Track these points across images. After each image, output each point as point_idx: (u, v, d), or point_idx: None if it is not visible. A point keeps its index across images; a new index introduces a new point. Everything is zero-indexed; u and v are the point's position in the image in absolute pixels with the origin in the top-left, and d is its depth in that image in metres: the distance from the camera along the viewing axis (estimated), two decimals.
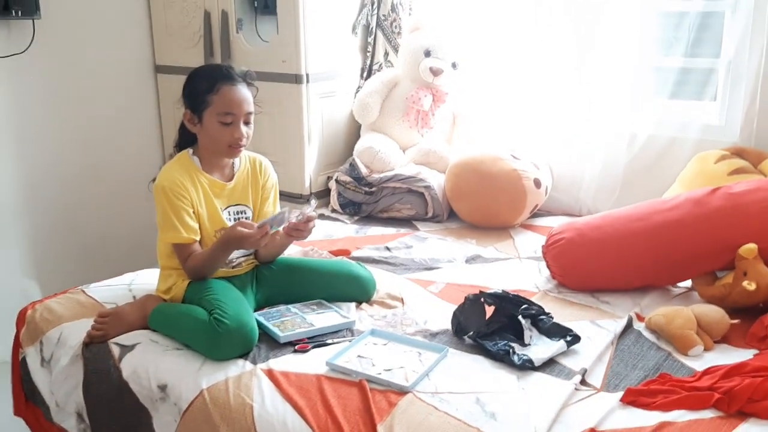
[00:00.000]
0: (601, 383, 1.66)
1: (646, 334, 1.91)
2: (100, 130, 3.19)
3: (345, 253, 2.49)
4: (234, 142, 1.94)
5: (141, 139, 3.38)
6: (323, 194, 3.12)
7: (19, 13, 2.71)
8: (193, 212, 1.93)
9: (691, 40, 2.72)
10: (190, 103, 1.95)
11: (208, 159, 2.00)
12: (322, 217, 2.96)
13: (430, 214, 2.90)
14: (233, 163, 2.06)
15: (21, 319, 2.09)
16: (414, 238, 2.69)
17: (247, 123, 1.96)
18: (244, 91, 1.95)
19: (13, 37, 2.79)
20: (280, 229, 1.91)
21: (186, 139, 2.06)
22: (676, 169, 2.67)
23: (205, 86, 1.92)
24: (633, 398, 1.57)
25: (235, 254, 2.01)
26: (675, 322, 1.85)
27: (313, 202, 2.04)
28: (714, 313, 1.90)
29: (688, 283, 2.20)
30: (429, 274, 2.35)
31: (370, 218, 2.96)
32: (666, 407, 1.54)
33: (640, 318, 2.00)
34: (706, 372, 1.67)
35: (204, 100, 1.91)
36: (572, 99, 2.96)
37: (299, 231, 1.95)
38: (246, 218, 2.05)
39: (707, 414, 1.51)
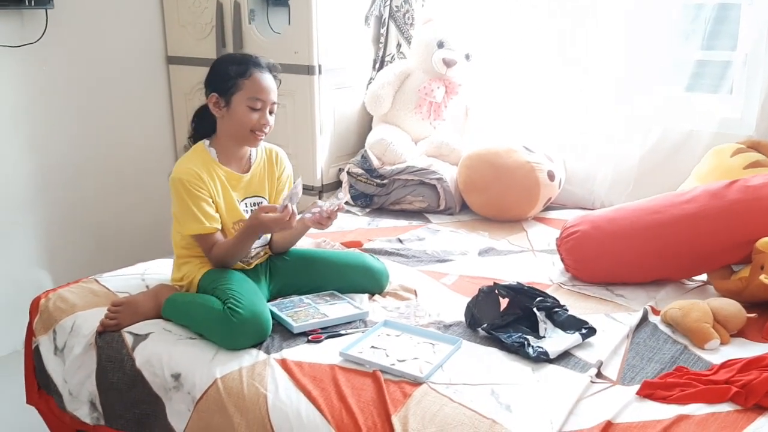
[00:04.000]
0: (616, 376, 1.65)
1: (662, 327, 1.89)
2: (112, 120, 3.19)
3: (357, 244, 2.49)
4: (259, 127, 1.94)
5: (153, 130, 3.38)
6: (335, 186, 3.12)
7: (32, 2, 2.71)
8: (212, 202, 1.93)
9: (708, 33, 2.69)
10: (219, 86, 1.94)
11: (225, 150, 2.00)
12: None
13: (442, 207, 2.89)
14: (250, 154, 2.06)
15: (34, 308, 2.09)
16: (426, 231, 2.69)
17: (271, 113, 1.97)
18: (272, 81, 1.97)
19: (26, 26, 2.79)
20: (294, 204, 1.90)
21: (200, 131, 2.05)
22: (691, 162, 2.65)
23: (236, 71, 1.92)
24: (649, 391, 1.55)
25: (254, 243, 2.00)
26: (691, 315, 1.84)
27: (341, 194, 2.03)
28: (730, 306, 1.88)
29: (703, 276, 2.19)
30: (442, 266, 2.34)
31: (381, 210, 2.96)
32: (683, 400, 1.52)
33: (656, 311, 1.99)
34: (723, 365, 1.66)
35: (234, 84, 1.91)
36: (586, 91, 2.94)
37: (328, 219, 1.94)
38: None
39: (724, 407, 1.50)
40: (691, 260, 2.13)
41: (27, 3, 2.70)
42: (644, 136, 2.82)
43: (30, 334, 2.08)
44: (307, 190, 3.04)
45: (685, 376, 1.61)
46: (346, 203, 3.00)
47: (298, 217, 1.96)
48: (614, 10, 2.81)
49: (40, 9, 2.77)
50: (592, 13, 2.87)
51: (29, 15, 2.79)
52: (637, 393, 1.56)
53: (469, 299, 1.91)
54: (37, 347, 2.04)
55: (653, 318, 1.95)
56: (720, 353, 1.75)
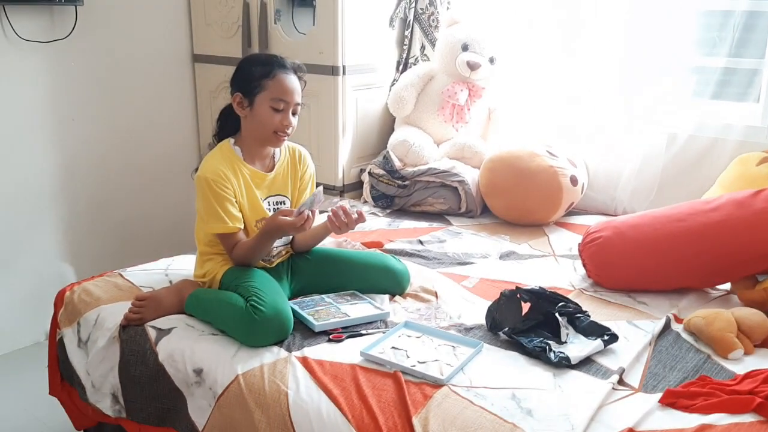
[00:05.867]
0: (638, 384, 1.64)
1: (685, 335, 1.88)
2: (138, 116, 3.23)
3: (378, 245, 2.49)
4: (281, 129, 1.95)
5: (177, 127, 3.41)
6: (356, 186, 3.13)
7: None
8: (236, 202, 1.95)
9: (736, 40, 2.67)
10: (243, 86, 1.95)
11: (249, 149, 2.01)
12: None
13: (463, 209, 2.89)
14: (274, 153, 2.07)
15: (59, 300, 2.12)
16: (447, 233, 2.68)
17: (294, 114, 1.98)
18: (296, 82, 1.98)
19: (56, 23, 2.83)
20: (315, 209, 1.91)
21: (225, 129, 2.07)
22: (715, 170, 2.63)
23: (261, 71, 1.94)
24: (672, 400, 1.54)
25: (276, 243, 2.02)
26: (715, 324, 1.82)
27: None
28: (755, 316, 1.86)
29: (727, 285, 2.17)
30: (463, 268, 2.34)
31: (402, 212, 2.96)
32: (706, 410, 1.51)
33: (678, 320, 1.97)
34: (747, 376, 1.64)
35: (259, 84, 1.93)
36: (611, 96, 2.93)
37: (345, 222, 1.94)
38: (285, 208, 2.06)
39: (747, 418, 1.48)
40: (714, 269, 2.11)
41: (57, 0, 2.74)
42: (668, 143, 2.80)
43: (54, 325, 2.11)
44: (329, 190, 3.06)
45: (708, 386, 1.60)
46: (366, 203, 3.01)
47: (322, 219, 1.98)
48: (640, 17, 2.80)
49: (70, 6, 2.81)
50: (617, 19, 2.86)
51: (59, 11, 2.83)
52: (660, 401, 1.55)
53: (489, 302, 1.91)
54: (61, 339, 2.07)
55: (676, 326, 1.93)
56: (743, 363, 1.74)
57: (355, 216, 1.93)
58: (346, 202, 1.96)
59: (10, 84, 2.76)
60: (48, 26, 2.81)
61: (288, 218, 1.86)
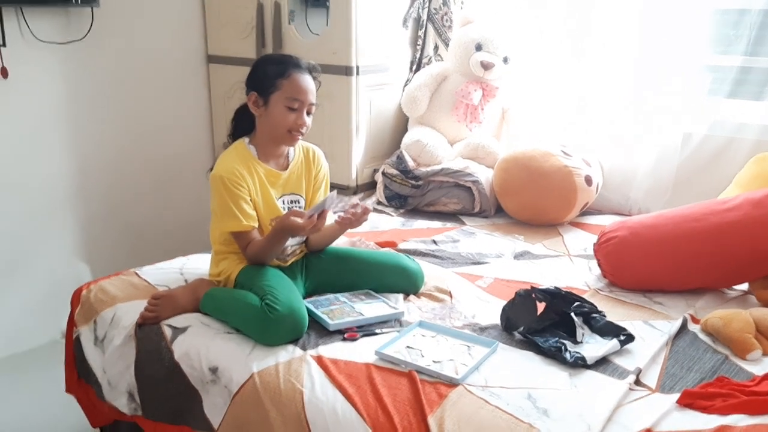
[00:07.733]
0: (656, 384, 1.63)
1: (702, 336, 1.87)
2: (153, 117, 3.24)
3: (392, 244, 2.49)
4: (296, 128, 1.96)
5: (192, 128, 3.42)
6: (369, 186, 3.13)
7: (79, 0, 2.77)
8: (250, 200, 1.96)
9: (753, 39, 2.65)
10: (258, 85, 1.97)
11: (264, 148, 2.02)
12: None
13: (476, 209, 2.88)
14: (288, 152, 2.08)
15: (76, 298, 2.13)
16: (461, 233, 2.68)
17: (308, 113, 1.99)
18: (311, 82, 1.99)
19: (72, 24, 2.85)
20: (330, 211, 1.91)
21: (240, 129, 2.08)
22: (731, 170, 2.61)
23: (276, 71, 1.95)
24: (690, 400, 1.53)
25: (290, 242, 2.02)
26: (732, 325, 1.81)
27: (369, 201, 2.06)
28: None
29: (744, 285, 2.15)
30: (477, 268, 2.33)
31: (415, 211, 2.96)
32: (724, 411, 1.50)
33: (695, 320, 1.96)
34: (766, 377, 1.63)
35: (273, 84, 1.94)
36: (625, 95, 2.91)
37: (351, 220, 1.95)
38: (299, 207, 2.07)
39: (767, 419, 1.47)
40: (731, 269, 2.09)
41: (74, 1, 2.75)
42: (684, 142, 2.78)
43: (71, 324, 2.12)
44: (342, 190, 3.06)
45: (727, 387, 1.58)
46: (380, 203, 3.01)
47: (334, 218, 1.98)
48: (656, 16, 2.78)
49: (86, 7, 2.82)
50: (632, 18, 2.84)
51: (75, 13, 2.85)
52: (677, 402, 1.54)
53: (504, 302, 1.91)
54: (77, 337, 2.08)
55: (693, 326, 1.92)
56: (762, 364, 1.73)
57: (359, 211, 1.93)
58: (356, 199, 1.96)
59: (27, 85, 2.78)
60: (64, 27, 2.83)
61: (298, 220, 1.87)
